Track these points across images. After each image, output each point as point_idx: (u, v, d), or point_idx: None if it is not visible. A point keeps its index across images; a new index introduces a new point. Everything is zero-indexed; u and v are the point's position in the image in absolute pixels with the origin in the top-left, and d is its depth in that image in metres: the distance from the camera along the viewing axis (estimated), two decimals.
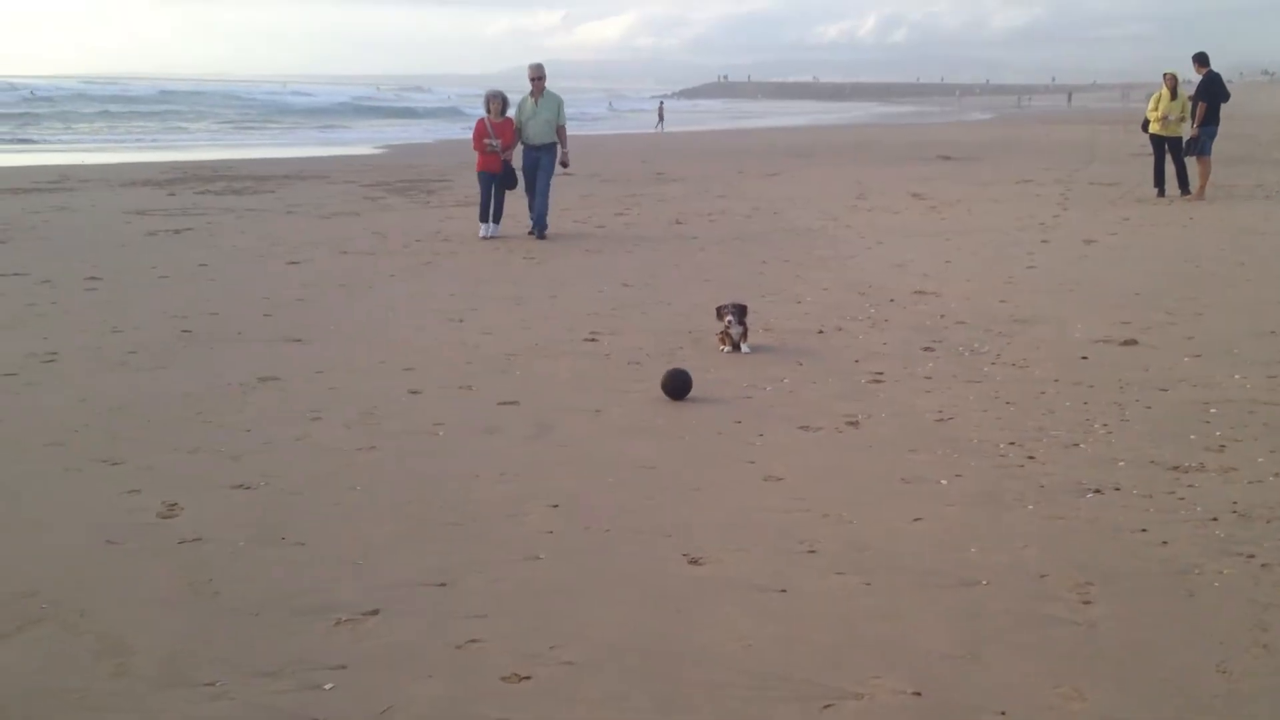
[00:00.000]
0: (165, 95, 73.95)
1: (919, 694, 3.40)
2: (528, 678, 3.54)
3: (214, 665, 3.64)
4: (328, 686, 3.50)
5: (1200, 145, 17.01)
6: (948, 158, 27.24)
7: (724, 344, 7.88)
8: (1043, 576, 4.19)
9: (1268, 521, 4.68)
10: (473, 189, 14.53)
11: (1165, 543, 4.47)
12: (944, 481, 5.23)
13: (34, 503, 5.10)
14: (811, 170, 24.57)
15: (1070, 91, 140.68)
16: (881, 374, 7.18)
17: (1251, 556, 4.33)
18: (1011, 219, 15.02)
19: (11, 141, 36.56)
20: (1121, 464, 5.40)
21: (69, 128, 45.94)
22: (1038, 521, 4.73)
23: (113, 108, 60.75)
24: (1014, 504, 4.92)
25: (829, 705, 3.35)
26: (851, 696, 3.40)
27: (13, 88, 71.58)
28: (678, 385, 6.75)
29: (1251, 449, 5.61)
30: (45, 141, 37.53)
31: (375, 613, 3.98)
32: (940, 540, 4.55)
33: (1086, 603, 3.97)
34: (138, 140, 39.01)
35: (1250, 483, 5.15)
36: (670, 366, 6.99)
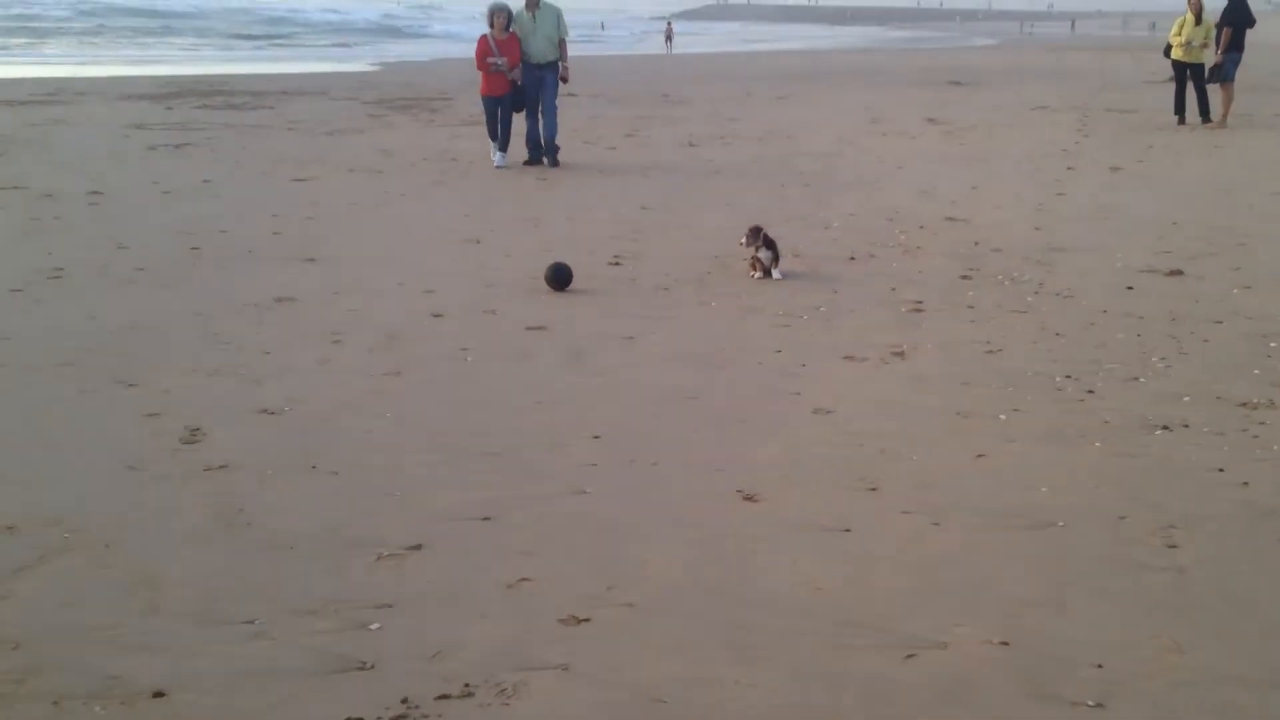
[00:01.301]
0: (201, 10, 71.70)
1: (1007, 643, 3.20)
2: (587, 620, 3.33)
3: (251, 602, 3.43)
4: (374, 627, 3.29)
5: (1224, 72, 16.57)
6: (958, 83, 26.63)
7: (755, 270, 7.60)
8: (1121, 518, 3.97)
9: None
10: (477, 107, 13.93)
11: (1246, 483, 4.25)
12: (1003, 416, 4.98)
13: (50, 425, 4.86)
14: (820, 94, 24.02)
15: (1073, 19, 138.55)
16: (921, 303, 6.92)
17: None
18: (1032, 145, 14.63)
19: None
20: (1186, 399, 5.16)
21: (87, 41, 44.77)
22: (1107, 459, 4.50)
23: (119, 21, 59.27)
24: (1079, 441, 4.69)
25: (911, 655, 3.14)
26: (935, 646, 3.19)
27: None
28: (559, 276, 7.23)
29: None
30: (47, 55, 36.62)
31: (418, 548, 3.77)
32: (1007, 479, 4.33)
33: (1172, 546, 3.75)
34: (132, 54, 38.09)
35: None
36: (556, 261, 7.40)
